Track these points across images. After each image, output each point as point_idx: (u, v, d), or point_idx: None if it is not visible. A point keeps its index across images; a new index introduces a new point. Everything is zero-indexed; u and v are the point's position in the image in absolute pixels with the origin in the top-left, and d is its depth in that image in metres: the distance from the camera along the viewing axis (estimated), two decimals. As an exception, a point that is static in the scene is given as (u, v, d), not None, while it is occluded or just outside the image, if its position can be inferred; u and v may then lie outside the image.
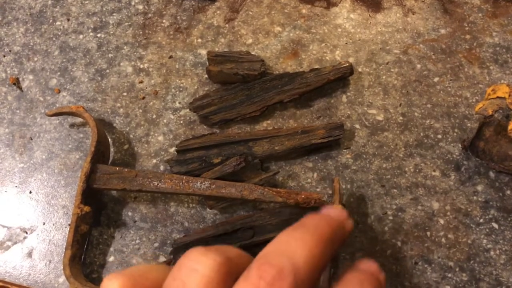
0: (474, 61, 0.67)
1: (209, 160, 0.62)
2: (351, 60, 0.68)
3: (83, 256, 0.60)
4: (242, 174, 0.60)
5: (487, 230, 0.58)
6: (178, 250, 0.57)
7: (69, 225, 0.62)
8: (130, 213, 0.62)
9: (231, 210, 0.61)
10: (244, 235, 0.57)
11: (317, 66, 0.67)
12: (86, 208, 0.58)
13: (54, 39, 0.73)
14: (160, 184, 0.59)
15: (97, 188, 0.59)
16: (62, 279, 0.60)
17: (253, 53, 0.69)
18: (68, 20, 0.74)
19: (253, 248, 0.59)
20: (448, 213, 0.59)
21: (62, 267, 0.59)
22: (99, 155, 0.61)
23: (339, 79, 0.65)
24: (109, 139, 0.65)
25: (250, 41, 0.71)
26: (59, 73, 0.71)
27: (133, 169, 0.62)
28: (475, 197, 0.60)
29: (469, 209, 0.59)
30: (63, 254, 0.60)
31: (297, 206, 0.57)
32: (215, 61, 0.66)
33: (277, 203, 0.58)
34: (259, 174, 0.61)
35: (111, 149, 0.65)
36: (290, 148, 0.62)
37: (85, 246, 0.61)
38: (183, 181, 0.59)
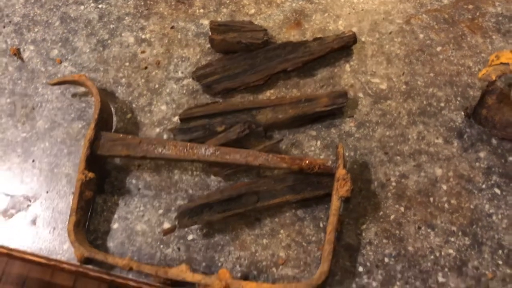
0: (476, 30, 0.67)
1: (212, 128, 0.62)
2: (354, 29, 0.68)
3: (87, 223, 0.60)
4: (246, 141, 0.60)
5: (490, 195, 0.59)
6: (183, 215, 0.57)
7: (73, 192, 0.62)
8: (134, 181, 0.62)
9: (235, 177, 0.61)
10: (249, 200, 0.58)
11: (320, 36, 0.67)
12: (90, 174, 0.58)
13: (54, 10, 0.72)
14: (164, 150, 0.59)
15: (101, 154, 0.59)
16: (66, 245, 0.59)
17: (256, 23, 0.69)
18: (69, -10, 0.73)
19: (258, 213, 0.59)
20: (451, 179, 0.60)
21: (66, 234, 0.59)
22: (103, 123, 0.61)
23: (342, 48, 0.65)
24: (112, 109, 0.65)
25: (253, 11, 0.70)
26: (60, 43, 0.70)
27: (137, 137, 0.62)
28: (477, 164, 0.60)
29: (471, 175, 0.60)
30: (67, 221, 0.60)
31: (301, 172, 0.57)
32: (218, 30, 0.66)
33: (281, 169, 0.58)
34: (263, 142, 0.61)
35: (114, 118, 0.65)
36: (294, 117, 0.62)
37: (89, 213, 0.61)
38: (188, 148, 0.59)
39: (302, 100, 0.62)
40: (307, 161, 0.57)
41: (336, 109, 0.62)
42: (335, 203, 0.55)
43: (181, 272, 0.54)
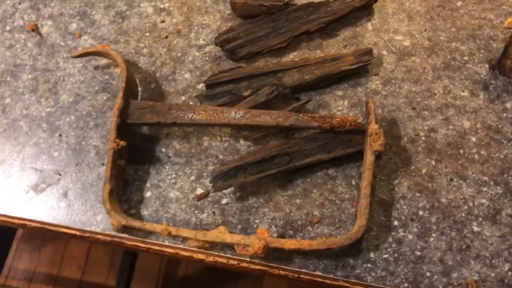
0: (496, -17, 0.67)
1: (239, 93, 0.62)
2: (373, -12, 0.68)
3: (120, 192, 0.60)
4: (273, 104, 0.60)
5: (519, 144, 0.59)
6: (217, 178, 0.57)
7: (103, 164, 0.62)
8: (163, 150, 0.62)
9: (265, 141, 0.62)
10: (281, 161, 0.58)
11: (340, -4, 0.67)
12: (122, 143, 0.58)
13: (69, -16, 0.72)
14: (194, 115, 0.59)
15: (131, 122, 0.59)
16: (100, 216, 0.60)
17: (275, -14, 0.68)
18: (82, -36, 0.73)
19: (290, 174, 0.59)
20: (480, 131, 0.60)
21: (99, 205, 0.60)
22: (130, 92, 0.61)
23: (364, 6, 0.65)
24: (136, 79, 0.65)
25: (270, -25, 0.70)
26: (78, 17, 0.70)
27: (164, 105, 0.62)
28: (504, 114, 0.61)
29: (499, 126, 0.60)
30: (98, 192, 0.60)
31: (332, 130, 0.58)
32: (238, -6, 0.66)
33: (312, 128, 0.58)
34: (290, 103, 0.61)
35: (139, 89, 0.65)
36: (320, 77, 0.62)
37: (121, 183, 0.61)
38: (218, 112, 0.59)
39: (327, 60, 0.62)
40: (337, 119, 0.57)
41: (361, 67, 0.62)
42: (369, 157, 0.55)
43: (220, 234, 0.54)
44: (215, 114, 0.59)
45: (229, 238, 0.54)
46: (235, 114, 0.59)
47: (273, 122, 0.58)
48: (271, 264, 0.56)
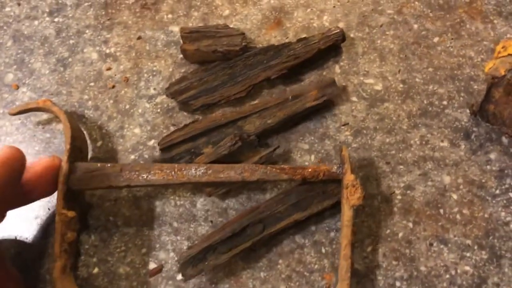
0: (476, 15, 0.61)
1: (198, 151, 0.56)
2: (341, 25, 0.61)
3: (74, 267, 0.54)
4: (239, 155, 0.54)
5: (505, 201, 0.53)
6: (185, 265, 0.51)
7: (45, 237, 0.55)
8: (111, 218, 0.56)
9: (233, 194, 0.56)
10: (254, 230, 0.52)
11: (304, 35, 0.60)
12: (70, 213, 0.51)
13: (5, 27, 0.64)
14: (149, 176, 0.52)
15: (79, 189, 0.53)
16: None
17: (231, 26, 0.61)
18: (19, 4, 0.65)
19: (267, 242, 0.53)
20: (461, 187, 0.54)
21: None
22: (76, 152, 0.54)
23: (330, 47, 0.59)
24: (84, 134, 0.58)
25: (227, 12, 0.63)
26: (15, 66, 0.63)
27: (110, 168, 0.56)
28: (488, 167, 0.55)
29: (483, 180, 0.54)
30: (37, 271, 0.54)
31: (304, 182, 0.52)
32: (190, 38, 0.59)
33: (282, 181, 0.52)
34: (258, 152, 0.55)
35: (88, 144, 0.58)
36: (284, 118, 0.56)
37: (75, 255, 0.54)
38: (176, 170, 0.52)
39: (289, 98, 0.56)
40: (309, 170, 0.51)
41: (328, 100, 0.56)
42: (347, 213, 0.49)
43: None
44: (173, 173, 0.52)
45: None
46: (196, 171, 0.52)
47: (238, 178, 0.52)
48: None
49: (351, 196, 0.49)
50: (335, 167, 0.52)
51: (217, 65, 0.58)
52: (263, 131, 0.56)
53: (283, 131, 0.58)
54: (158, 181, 0.52)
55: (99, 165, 0.53)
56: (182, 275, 0.51)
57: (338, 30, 0.58)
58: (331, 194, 0.53)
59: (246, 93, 0.58)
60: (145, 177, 0.53)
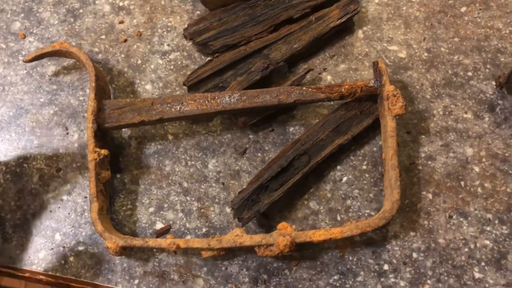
0: (505, -14, 0.59)
1: (227, 85, 0.53)
2: (366, -11, 0.59)
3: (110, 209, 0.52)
4: (269, 83, 0.53)
5: (528, 176, 0.52)
6: (240, 209, 0.49)
7: (47, 191, 0.53)
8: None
9: (267, 124, 0.54)
10: (301, 163, 0.50)
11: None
12: (104, 151, 0.49)
13: (13, -26, 0.61)
14: (183, 107, 0.50)
15: (110, 126, 0.50)
16: (42, 253, 0.51)
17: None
18: (29, -49, 0.62)
19: (315, 171, 0.52)
20: (484, 160, 0.52)
21: (42, 240, 0.51)
22: (101, 92, 0.52)
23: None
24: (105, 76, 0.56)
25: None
26: (22, 14, 0.60)
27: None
28: (513, 141, 0.53)
29: (506, 154, 0.52)
30: (42, 225, 0.51)
31: (342, 99, 0.51)
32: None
33: (319, 101, 0.51)
34: (288, 78, 0.54)
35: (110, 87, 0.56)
36: (310, 41, 0.54)
37: (109, 198, 0.52)
38: (209, 99, 0.50)
39: (312, 20, 0.55)
40: (346, 86, 0.50)
41: (351, 18, 0.56)
42: (390, 123, 0.48)
43: (237, 237, 0.47)
44: (206, 102, 0.50)
45: (248, 240, 0.46)
46: (230, 98, 0.50)
47: (274, 101, 0.50)
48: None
49: (393, 106, 0.48)
50: (372, 81, 0.51)
51: (237, 5, 0.56)
52: (290, 56, 0.54)
53: (310, 55, 0.57)
54: (192, 111, 0.50)
55: (128, 100, 0.51)
56: (239, 220, 0.49)
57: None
58: (368, 113, 0.52)
59: (268, 34, 0.56)
60: (178, 108, 0.51)
